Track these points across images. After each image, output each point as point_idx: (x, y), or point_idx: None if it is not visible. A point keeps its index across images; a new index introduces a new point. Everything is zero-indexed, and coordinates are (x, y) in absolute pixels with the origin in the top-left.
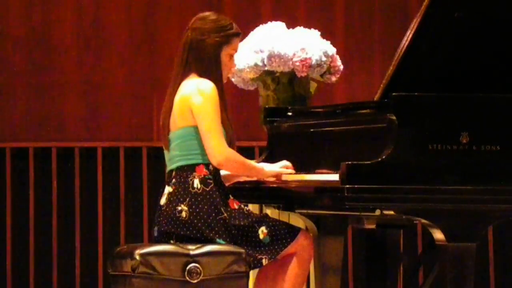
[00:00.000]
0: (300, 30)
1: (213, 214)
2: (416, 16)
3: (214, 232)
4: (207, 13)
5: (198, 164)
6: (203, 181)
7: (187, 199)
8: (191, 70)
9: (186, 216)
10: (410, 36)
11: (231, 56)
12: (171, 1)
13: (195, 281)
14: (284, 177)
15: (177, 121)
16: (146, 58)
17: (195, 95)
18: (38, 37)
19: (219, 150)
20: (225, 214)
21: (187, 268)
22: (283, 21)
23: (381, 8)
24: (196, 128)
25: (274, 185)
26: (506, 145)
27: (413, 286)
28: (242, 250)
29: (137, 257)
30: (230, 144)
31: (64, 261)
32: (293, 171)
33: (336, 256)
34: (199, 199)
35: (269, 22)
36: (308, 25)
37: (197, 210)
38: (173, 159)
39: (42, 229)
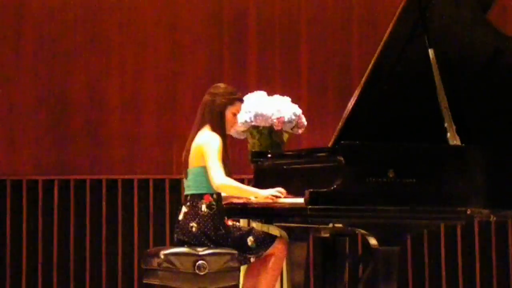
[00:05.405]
0: (276, 97)
1: (215, 230)
2: (356, 90)
3: (215, 243)
4: (220, 84)
5: (205, 194)
6: (208, 206)
7: (197, 219)
8: (205, 123)
9: (196, 231)
10: (353, 102)
11: (234, 115)
12: (187, 77)
13: (202, 273)
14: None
15: (193, 161)
16: (170, 117)
17: (206, 145)
18: (95, 100)
19: (217, 179)
20: (223, 231)
21: (197, 264)
22: (264, 90)
23: (334, 83)
24: (205, 168)
25: (258, 206)
26: (419, 179)
27: (355, 278)
28: (235, 252)
29: (162, 256)
30: (229, 175)
31: (110, 261)
32: (285, 194)
33: (301, 256)
34: (205, 219)
35: (254, 91)
36: (282, 93)
37: (203, 227)
38: (189, 187)
39: (95, 239)
